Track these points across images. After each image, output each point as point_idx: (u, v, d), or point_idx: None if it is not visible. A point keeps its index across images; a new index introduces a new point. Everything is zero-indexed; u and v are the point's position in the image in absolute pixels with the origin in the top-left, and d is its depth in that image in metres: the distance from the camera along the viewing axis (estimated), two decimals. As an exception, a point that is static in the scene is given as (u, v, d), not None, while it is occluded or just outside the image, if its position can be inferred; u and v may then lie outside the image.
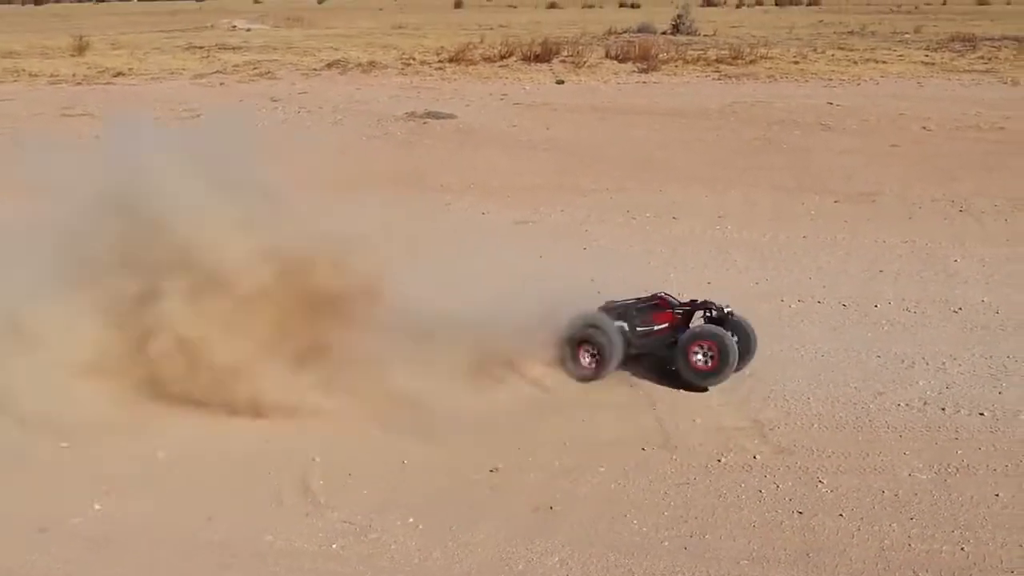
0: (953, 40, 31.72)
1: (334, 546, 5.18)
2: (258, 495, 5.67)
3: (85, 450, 6.07)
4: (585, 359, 6.99)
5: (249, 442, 6.23)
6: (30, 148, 8.17)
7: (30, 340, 6.33)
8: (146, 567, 5.06)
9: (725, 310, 7.06)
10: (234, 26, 46.34)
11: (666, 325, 7.07)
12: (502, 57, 27.26)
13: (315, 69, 26.80)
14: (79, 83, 24.29)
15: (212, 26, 47.18)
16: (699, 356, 6.78)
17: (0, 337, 6.37)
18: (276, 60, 28.85)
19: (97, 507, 5.53)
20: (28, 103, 20.79)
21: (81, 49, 30.54)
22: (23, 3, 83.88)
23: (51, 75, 25.63)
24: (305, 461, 6.00)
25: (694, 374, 6.81)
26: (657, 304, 7.16)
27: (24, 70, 26.47)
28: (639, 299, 7.29)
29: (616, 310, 7.15)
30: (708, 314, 7.08)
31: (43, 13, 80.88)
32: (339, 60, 28.17)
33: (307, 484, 5.77)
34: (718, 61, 26.20)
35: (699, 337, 6.82)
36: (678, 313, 7.09)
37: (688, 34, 35.60)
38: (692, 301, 7.21)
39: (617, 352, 6.95)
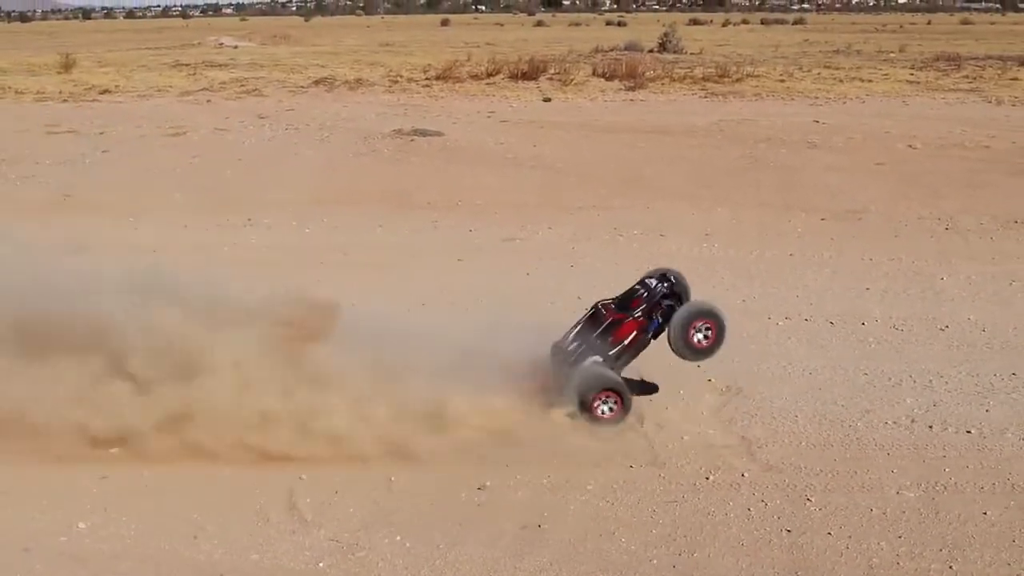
0: (938, 59, 31.98)
1: (321, 564, 5.14)
2: (244, 513, 5.62)
3: (70, 468, 6.02)
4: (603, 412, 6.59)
5: (235, 459, 6.18)
6: None
7: None
8: (131, 587, 5.02)
9: (672, 278, 6.84)
10: (221, 43, 46.39)
11: (635, 333, 6.74)
12: (489, 75, 27.36)
13: (302, 86, 26.84)
14: (65, 100, 24.26)
15: (199, 43, 47.23)
16: (699, 335, 6.62)
17: None
18: (263, 77, 28.90)
19: (82, 525, 5.48)
20: (13, 120, 20.73)
21: (68, 66, 30.53)
22: (9, 20, 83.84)
23: (37, 92, 25.60)
24: (291, 478, 5.95)
25: (692, 352, 6.67)
26: (614, 320, 6.74)
27: (10, 87, 26.42)
28: (579, 321, 6.92)
29: (581, 348, 6.75)
30: (667, 289, 6.78)
31: (29, 30, 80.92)
32: (326, 77, 28.23)
33: (293, 502, 5.73)
34: (704, 79, 26.34)
35: (698, 316, 6.63)
36: (638, 317, 6.74)
37: (675, 52, 35.86)
38: (630, 289, 6.88)
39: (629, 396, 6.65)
